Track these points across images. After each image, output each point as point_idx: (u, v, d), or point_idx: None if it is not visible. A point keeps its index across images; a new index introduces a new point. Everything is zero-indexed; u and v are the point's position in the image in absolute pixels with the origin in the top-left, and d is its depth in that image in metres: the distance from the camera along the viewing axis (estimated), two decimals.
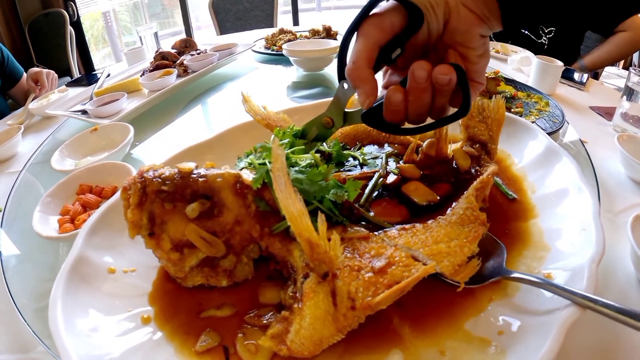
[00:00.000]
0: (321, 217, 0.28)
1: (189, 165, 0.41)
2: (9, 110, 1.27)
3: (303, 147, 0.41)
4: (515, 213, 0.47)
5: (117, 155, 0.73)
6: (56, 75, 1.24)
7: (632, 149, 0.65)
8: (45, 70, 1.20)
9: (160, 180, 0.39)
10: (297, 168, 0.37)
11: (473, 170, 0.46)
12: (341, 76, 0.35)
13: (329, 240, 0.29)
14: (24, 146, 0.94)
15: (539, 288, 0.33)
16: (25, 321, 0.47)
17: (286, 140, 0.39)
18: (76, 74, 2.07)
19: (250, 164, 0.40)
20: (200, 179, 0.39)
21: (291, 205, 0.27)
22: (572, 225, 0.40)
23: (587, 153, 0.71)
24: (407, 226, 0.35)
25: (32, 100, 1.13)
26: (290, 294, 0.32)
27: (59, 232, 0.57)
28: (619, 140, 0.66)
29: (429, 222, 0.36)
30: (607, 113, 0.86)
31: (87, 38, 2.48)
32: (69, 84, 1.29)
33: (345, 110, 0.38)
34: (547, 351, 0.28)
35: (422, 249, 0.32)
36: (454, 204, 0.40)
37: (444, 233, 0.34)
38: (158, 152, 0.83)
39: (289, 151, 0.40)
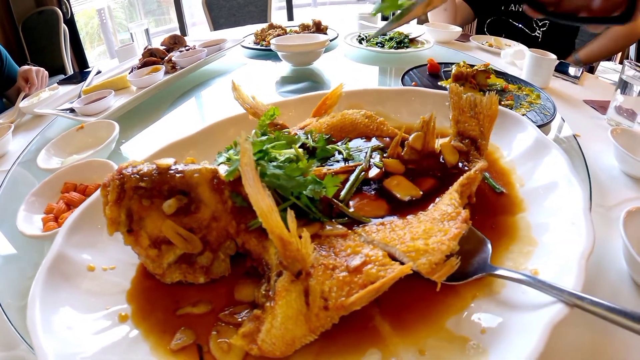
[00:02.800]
0: (290, 214, 0.27)
1: (167, 161, 0.40)
2: (4, 109, 1.26)
3: (284, 142, 0.40)
4: (502, 207, 0.46)
5: (103, 153, 0.72)
6: (46, 72, 1.23)
7: (625, 142, 0.64)
8: (35, 68, 1.19)
9: (138, 176, 0.39)
10: (275, 163, 0.36)
11: (461, 165, 0.45)
12: None
13: (301, 237, 0.28)
14: (15, 145, 0.93)
15: (526, 285, 0.32)
16: (9, 319, 0.46)
17: (264, 137, 0.38)
18: (70, 71, 2.06)
19: (228, 159, 0.39)
20: (177, 175, 0.38)
21: (261, 201, 0.26)
22: (561, 219, 0.39)
23: (579, 146, 0.70)
24: (385, 221, 0.35)
25: (23, 98, 1.12)
26: (263, 292, 0.31)
27: (42, 230, 0.56)
28: (612, 134, 0.65)
29: (409, 217, 0.35)
30: (601, 107, 0.85)
31: (82, 36, 2.46)
32: (61, 82, 1.28)
33: None
34: (531, 351, 0.27)
35: (399, 245, 0.31)
36: (437, 199, 0.39)
37: (423, 229, 0.33)
38: (146, 148, 0.82)
39: (269, 146, 0.39)
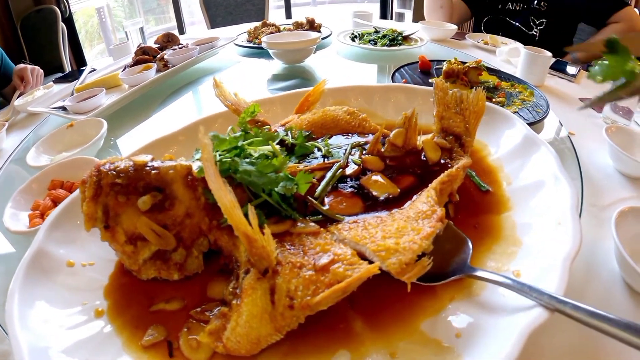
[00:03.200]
0: (251, 210, 0.27)
1: (143, 158, 0.40)
2: (0, 108, 1.26)
3: (261, 138, 0.40)
4: (487, 206, 0.45)
5: (90, 151, 0.72)
6: (41, 71, 1.23)
7: (620, 140, 0.62)
8: (30, 67, 1.20)
9: (114, 173, 0.39)
10: (248, 159, 0.36)
11: (443, 162, 0.45)
12: None
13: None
14: (8, 143, 0.94)
15: (505, 288, 0.31)
16: None
17: (238, 133, 0.37)
18: (68, 70, 2.07)
19: None
20: (152, 172, 0.38)
21: (223, 197, 0.26)
22: (548, 219, 0.38)
23: (572, 145, 0.69)
24: (359, 219, 0.34)
25: (18, 96, 1.13)
26: (231, 289, 0.31)
27: (28, 227, 0.57)
28: (607, 132, 0.63)
29: (384, 215, 0.34)
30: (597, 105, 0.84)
31: (82, 34, 2.47)
32: (57, 80, 1.29)
33: None
34: (505, 357, 0.25)
35: (369, 244, 0.30)
36: (415, 197, 0.38)
37: (396, 228, 0.32)
38: (136, 146, 0.82)
39: (245, 142, 0.39)
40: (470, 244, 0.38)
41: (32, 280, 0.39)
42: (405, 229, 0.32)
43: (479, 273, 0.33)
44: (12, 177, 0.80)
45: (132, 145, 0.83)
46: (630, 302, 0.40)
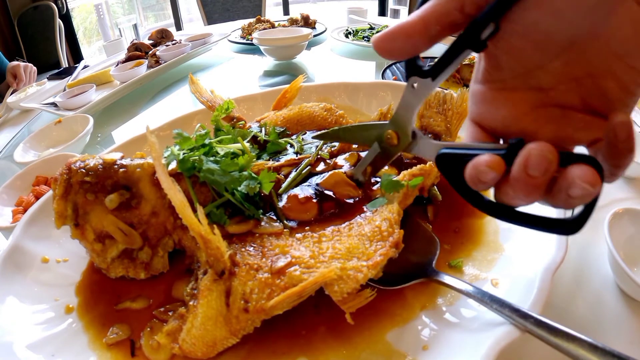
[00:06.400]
0: (200, 210, 0.26)
1: (113, 155, 0.40)
2: None
3: (230, 136, 0.39)
4: (470, 208, 0.42)
5: (75, 147, 0.72)
6: (35, 68, 1.24)
7: None
8: (23, 64, 1.21)
9: (84, 171, 0.38)
10: (213, 158, 0.35)
11: (417, 160, 0.43)
12: (411, 70, 0.23)
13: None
14: (1, 139, 0.94)
15: (467, 297, 0.29)
16: None
17: (204, 132, 0.36)
18: (65, 67, 2.08)
19: (172, 154, 0.39)
20: (120, 170, 0.38)
21: (173, 196, 0.25)
22: None
23: None
24: (314, 229, 0.32)
25: (11, 94, 1.14)
26: (189, 290, 0.31)
27: (11, 222, 0.57)
28: None
29: (343, 226, 0.32)
30: None
31: (80, 31, 2.47)
32: (51, 77, 1.29)
33: (415, 130, 0.26)
34: None
35: (317, 264, 0.28)
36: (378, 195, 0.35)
37: (347, 247, 0.30)
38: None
39: (214, 140, 0.38)
40: (438, 245, 0.35)
41: (5, 276, 0.39)
42: (356, 251, 0.29)
43: (441, 278, 0.31)
44: (2, 172, 0.81)
45: (120, 141, 0.83)
46: (624, 309, 0.37)
